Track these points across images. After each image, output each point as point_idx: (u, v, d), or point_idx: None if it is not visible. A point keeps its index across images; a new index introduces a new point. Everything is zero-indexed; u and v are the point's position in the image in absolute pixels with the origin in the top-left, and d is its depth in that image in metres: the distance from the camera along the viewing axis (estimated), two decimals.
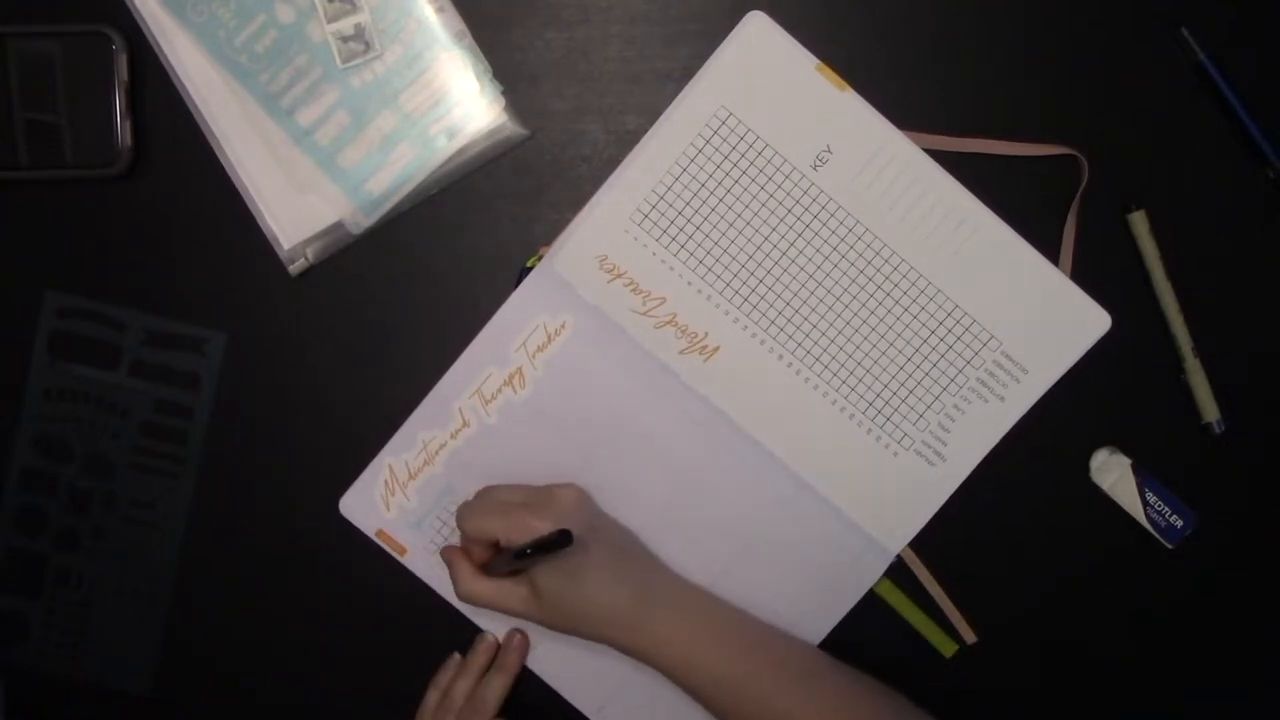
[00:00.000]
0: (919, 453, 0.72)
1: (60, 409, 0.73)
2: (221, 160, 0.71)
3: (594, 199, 0.71)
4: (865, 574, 0.72)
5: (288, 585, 0.74)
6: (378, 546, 0.73)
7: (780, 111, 0.70)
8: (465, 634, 0.73)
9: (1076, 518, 0.74)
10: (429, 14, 0.70)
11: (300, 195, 0.71)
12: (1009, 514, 0.74)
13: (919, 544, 0.73)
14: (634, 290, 0.71)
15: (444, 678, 0.73)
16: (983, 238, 0.70)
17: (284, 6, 0.70)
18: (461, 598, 0.69)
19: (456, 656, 0.73)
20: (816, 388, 0.72)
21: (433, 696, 0.73)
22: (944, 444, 0.72)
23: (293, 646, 0.75)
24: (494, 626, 0.73)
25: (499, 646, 0.73)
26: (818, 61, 0.70)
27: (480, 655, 0.73)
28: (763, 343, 0.71)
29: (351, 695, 0.75)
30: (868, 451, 0.72)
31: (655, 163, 0.71)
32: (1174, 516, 0.73)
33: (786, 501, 0.72)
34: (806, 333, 0.71)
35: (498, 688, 0.72)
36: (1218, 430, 0.73)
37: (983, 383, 0.71)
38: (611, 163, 0.72)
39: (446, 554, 0.71)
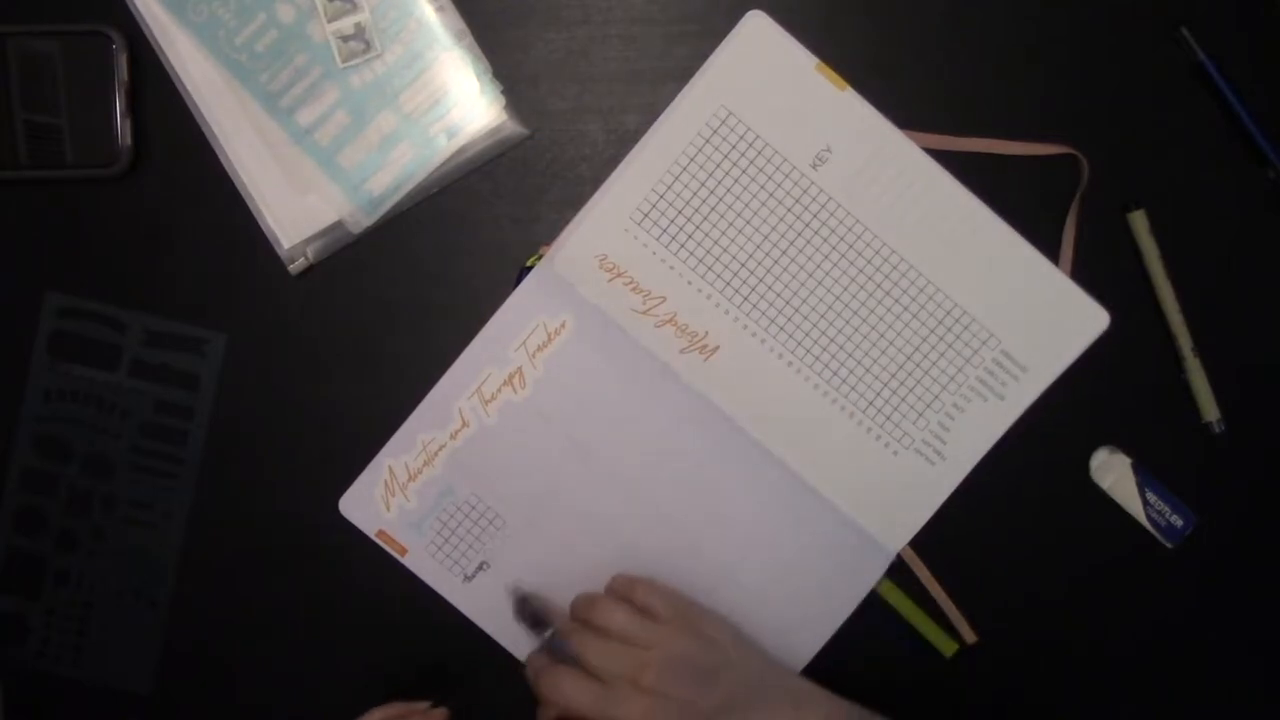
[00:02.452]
0: (919, 451, 0.72)
1: (60, 409, 0.73)
2: (221, 160, 0.71)
3: (594, 199, 0.71)
4: (866, 573, 0.72)
5: (288, 585, 0.74)
6: (378, 547, 0.73)
7: (780, 111, 0.70)
8: (465, 635, 0.73)
9: (1076, 518, 0.74)
10: (429, 14, 0.70)
11: (300, 195, 0.71)
12: (1009, 514, 0.74)
13: (919, 544, 0.73)
14: (634, 290, 0.71)
15: None
16: (982, 237, 0.70)
17: (284, 6, 0.70)
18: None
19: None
20: (816, 386, 0.72)
21: None
22: (944, 443, 0.72)
23: (293, 647, 0.75)
24: (497, 628, 0.73)
25: None
26: (817, 61, 0.70)
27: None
28: (763, 342, 0.71)
29: (352, 696, 0.75)
30: (868, 450, 0.72)
31: (655, 162, 0.71)
32: (1174, 516, 0.73)
33: (787, 501, 0.72)
34: (806, 331, 0.71)
35: None
36: (1218, 430, 0.73)
37: (982, 381, 0.71)
38: (611, 162, 0.72)
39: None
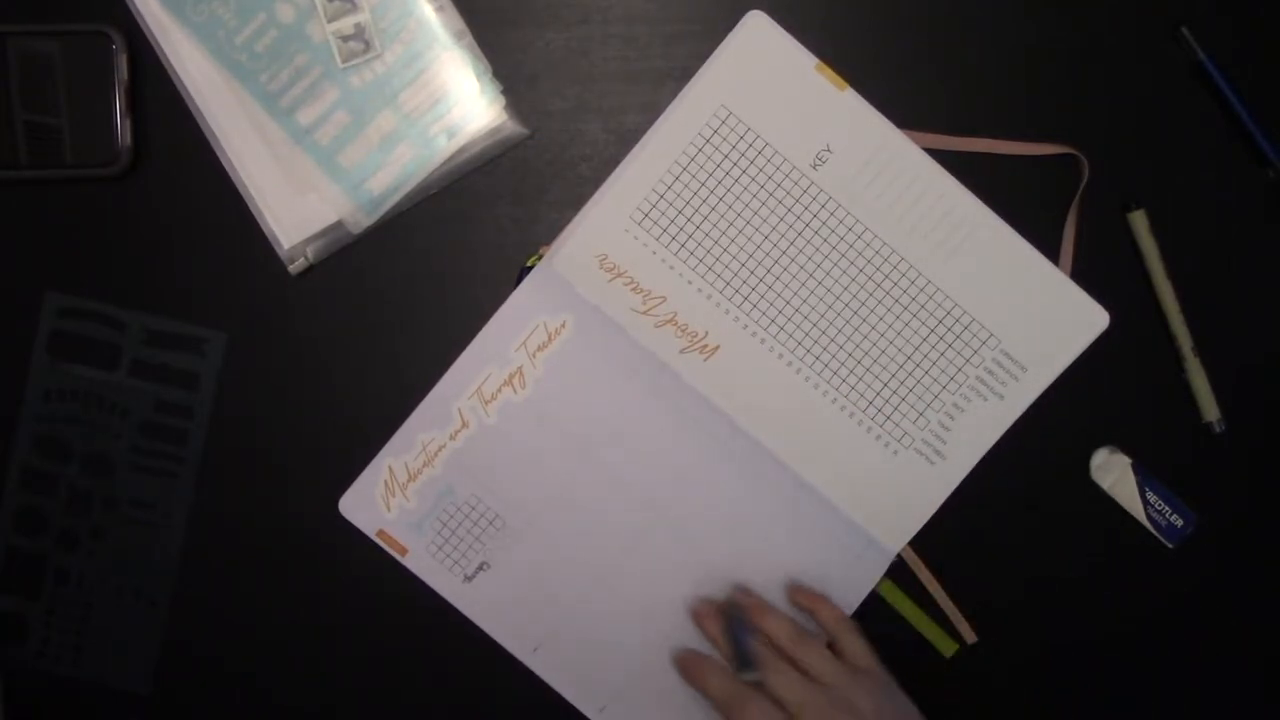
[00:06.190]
0: (919, 451, 0.72)
1: (60, 409, 0.73)
2: (221, 160, 0.71)
3: (594, 198, 0.71)
4: (866, 573, 0.72)
5: (288, 585, 0.74)
6: (378, 547, 0.73)
7: (780, 110, 0.70)
8: (466, 635, 0.73)
9: (1076, 518, 0.74)
10: (429, 13, 0.70)
11: (300, 195, 0.71)
12: (1009, 514, 0.74)
13: (919, 543, 0.73)
14: (634, 289, 0.71)
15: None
16: (982, 237, 0.71)
17: (284, 6, 0.70)
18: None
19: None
20: (816, 386, 0.72)
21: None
22: (944, 442, 0.72)
23: (293, 646, 0.75)
24: (497, 628, 0.73)
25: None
26: (817, 61, 0.70)
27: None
28: (763, 342, 0.71)
29: (352, 696, 0.75)
30: (868, 450, 0.72)
31: (655, 162, 0.71)
32: (1174, 516, 0.73)
33: (786, 501, 0.72)
34: (806, 331, 0.71)
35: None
36: (1218, 430, 0.73)
37: (982, 381, 0.71)
38: (611, 162, 0.72)
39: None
